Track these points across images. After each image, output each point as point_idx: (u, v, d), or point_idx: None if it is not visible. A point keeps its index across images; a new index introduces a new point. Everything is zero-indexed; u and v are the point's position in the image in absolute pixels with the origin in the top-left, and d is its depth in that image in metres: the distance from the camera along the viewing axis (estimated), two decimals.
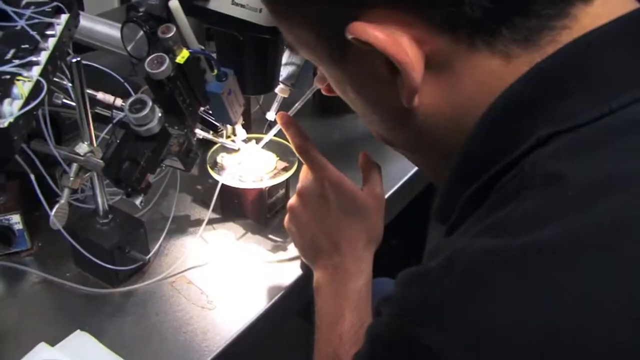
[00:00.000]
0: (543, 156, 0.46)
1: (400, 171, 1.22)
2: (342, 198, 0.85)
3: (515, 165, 0.47)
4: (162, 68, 0.76)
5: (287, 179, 1.06)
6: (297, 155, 0.88)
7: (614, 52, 0.47)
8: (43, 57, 0.86)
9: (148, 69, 0.76)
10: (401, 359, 0.45)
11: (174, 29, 0.77)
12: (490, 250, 0.42)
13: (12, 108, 0.76)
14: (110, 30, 1.14)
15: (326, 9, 0.50)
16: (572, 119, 0.46)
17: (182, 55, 0.80)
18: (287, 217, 0.91)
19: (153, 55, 0.76)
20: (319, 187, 0.86)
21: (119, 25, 1.07)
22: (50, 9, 0.96)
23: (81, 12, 1.06)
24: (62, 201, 0.86)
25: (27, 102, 0.78)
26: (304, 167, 0.89)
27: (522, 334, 0.38)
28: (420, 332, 0.42)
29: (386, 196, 1.16)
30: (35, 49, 0.87)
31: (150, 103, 0.75)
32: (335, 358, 0.78)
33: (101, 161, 0.83)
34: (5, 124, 0.73)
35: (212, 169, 1.05)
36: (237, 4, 0.82)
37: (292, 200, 0.90)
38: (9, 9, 0.90)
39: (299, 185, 0.89)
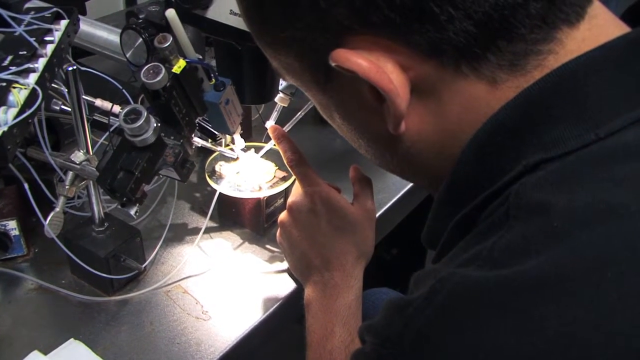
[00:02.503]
0: (529, 185, 0.45)
1: (401, 181, 1.21)
2: (332, 213, 0.85)
3: (503, 192, 0.47)
4: (158, 78, 0.75)
5: (285, 189, 1.06)
6: (289, 169, 0.88)
7: (600, 79, 0.46)
8: (40, 64, 0.85)
9: (144, 79, 0.75)
10: None
11: (171, 39, 0.76)
12: (472, 282, 0.41)
13: (7, 116, 0.76)
14: (109, 36, 1.14)
15: (308, 36, 0.49)
16: (560, 147, 0.45)
17: (179, 65, 0.79)
18: (278, 232, 0.92)
19: (149, 65, 0.76)
20: (309, 202, 0.86)
21: (119, 30, 1.07)
22: (50, 15, 0.96)
23: (82, 17, 1.06)
24: (57, 209, 0.86)
25: (22, 110, 0.77)
26: (296, 182, 0.89)
27: None
28: None
29: (387, 205, 1.16)
30: (33, 56, 0.87)
31: (145, 113, 0.74)
32: None
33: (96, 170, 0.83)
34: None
35: (210, 177, 1.05)
36: (235, 14, 0.82)
37: (283, 215, 0.90)
38: (5, 14, 0.90)
39: (289, 199, 0.89)
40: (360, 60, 0.46)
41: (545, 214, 0.42)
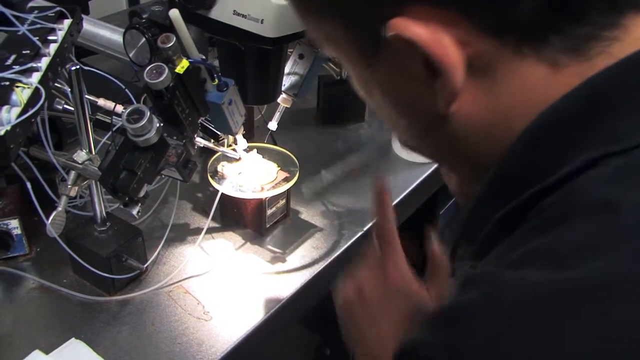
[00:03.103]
0: (593, 180, 0.43)
1: (403, 182, 1.22)
2: (405, 302, 0.77)
3: (558, 187, 0.45)
4: (161, 78, 0.75)
5: (287, 190, 1.06)
6: (375, 238, 0.81)
7: None
8: (43, 63, 0.86)
9: (147, 79, 0.76)
10: None
11: (174, 39, 0.77)
12: (540, 286, 0.39)
13: (10, 115, 0.76)
14: (113, 35, 1.14)
15: (362, 5, 0.47)
16: (626, 141, 0.43)
17: (182, 65, 0.79)
18: (342, 307, 0.81)
19: (152, 65, 0.76)
20: (382, 284, 0.78)
21: (122, 30, 1.07)
22: (53, 14, 0.96)
23: (85, 17, 1.06)
24: (60, 209, 0.86)
25: (25, 110, 0.78)
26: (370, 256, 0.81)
27: None
28: None
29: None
30: (36, 55, 0.87)
31: (148, 113, 0.74)
32: None
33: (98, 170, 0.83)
34: (2, 132, 0.72)
35: (212, 177, 1.05)
36: (238, 14, 0.82)
37: (350, 292, 0.80)
38: (9, 13, 0.90)
39: (360, 274, 0.80)
40: (420, 30, 0.44)
41: (614, 211, 0.40)
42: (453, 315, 0.42)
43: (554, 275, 0.39)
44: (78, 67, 0.83)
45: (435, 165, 1.25)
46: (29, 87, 0.80)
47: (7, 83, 0.80)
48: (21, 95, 0.79)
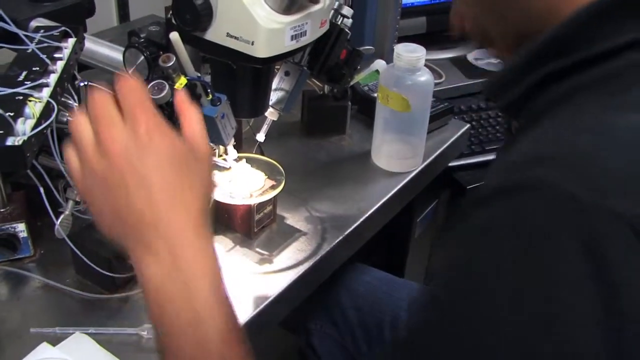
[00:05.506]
0: None
1: (382, 190, 1.29)
2: (169, 150, 0.68)
3: (606, 58, 0.50)
4: (162, 94, 0.83)
5: (274, 197, 1.14)
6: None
7: None
8: (52, 79, 0.93)
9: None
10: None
11: (174, 58, 0.84)
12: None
13: (25, 127, 0.84)
14: (112, 53, 1.22)
15: None
16: None
17: (180, 82, 0.87)
18: (78, 174, 0.69)
19: (154, 82, 0.83)
20: (136, 134, 0.67)
21: (120, 47, 1.15)
22: (58, 33, 1.04)
23: (85, 35, 1.14)
24: (67, 212, 0.93)
25: (38, 122, 0.85)
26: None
27: None
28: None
29: (368, 214, 1.24)
30: (45, 72, 0.94)
31: None
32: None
33: None
34: (20, 142, 0.80)
35: None
36: (231, 36, 0.90)
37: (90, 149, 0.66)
38: (20, 33, 0.98)
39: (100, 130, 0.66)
40: None
41: None
42: (570, 153, 0.48)
43: None
44: (86, 83, 0.90)
45: (413, 174, 1.33)
46: (40, 101, 0.88)
47: (21, 97, 0.87)
48: (34, 108, 0.86)
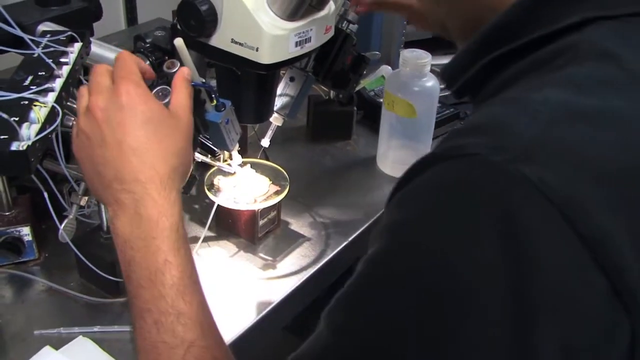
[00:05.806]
0: (595, 35, 0.51)
1: (386, 197, 1.28)
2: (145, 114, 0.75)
3: (555, 39, 0.53)
4: (167, 100, 0.83)
5: (278, 202, 1.14)
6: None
7: None
8: (58, 84, 0.93)
9: None
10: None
11: (178, 64, 0.84)
12: (563, 102, 0.49)
13: (30, 132, 0.84)
14: None
15: None
16: (617, 9, 0.52)
17: None
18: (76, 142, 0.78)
19: (158, 88, 0.83)
20: (117, 97, 0.75)
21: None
22: (64, 38, 1.04)
23: (91, 39, 1.14)
24: (71, 216, 0.94)
25: (43, 127, 0.85)
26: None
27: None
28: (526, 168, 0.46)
29: (368, 223, 1.24)
30: (51, 76, 0.94)
31: None
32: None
33: None
34: (24, 147, 0.80)
35: (209, 190, 1.13)
36: (236, 42, 0.90)
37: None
38: (27, 37, 0.98)
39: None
40: None
41: (616, 60, 0.49)
42: (493, 123, 0.50)
43: (575, 98, 0.48)
44: None
45: None
46: (45, 106, 0.88)
47: (26, 102, 0.87)
48: (39, 113, 0.87)
